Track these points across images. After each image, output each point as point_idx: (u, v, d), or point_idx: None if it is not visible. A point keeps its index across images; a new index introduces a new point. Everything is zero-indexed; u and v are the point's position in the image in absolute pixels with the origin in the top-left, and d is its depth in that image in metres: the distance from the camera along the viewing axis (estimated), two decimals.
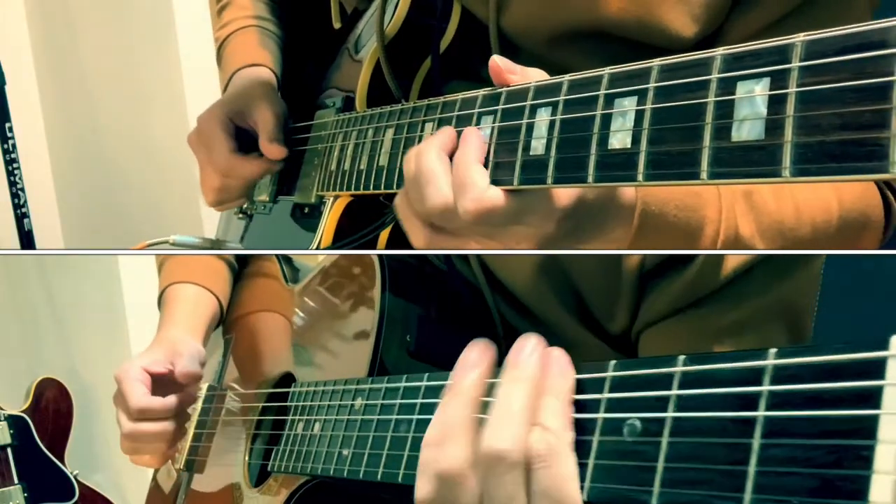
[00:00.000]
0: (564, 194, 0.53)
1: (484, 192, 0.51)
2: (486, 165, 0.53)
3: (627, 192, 0.57)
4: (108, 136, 2.05)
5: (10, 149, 1.74)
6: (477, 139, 0.53)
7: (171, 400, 0.86)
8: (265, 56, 0.94)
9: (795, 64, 0.37)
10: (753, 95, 0.38)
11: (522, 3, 0.69)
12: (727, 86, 0.39)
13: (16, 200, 1.77)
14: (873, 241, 0.69)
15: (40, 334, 2.01)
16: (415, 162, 0.55)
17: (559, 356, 0.43)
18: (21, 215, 1.78)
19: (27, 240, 1.79)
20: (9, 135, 1.74)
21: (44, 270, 1.98)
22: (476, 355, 0.46)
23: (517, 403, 0.41)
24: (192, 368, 0.87)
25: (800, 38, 0.37)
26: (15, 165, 1.75)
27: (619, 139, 0.44)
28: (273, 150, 0.84)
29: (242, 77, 0.92)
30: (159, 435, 0.86)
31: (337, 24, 0.91)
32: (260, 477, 0.86)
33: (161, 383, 0.87)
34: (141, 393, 0.84)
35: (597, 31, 0.67)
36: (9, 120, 1.73)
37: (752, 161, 0.38)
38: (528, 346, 0.43)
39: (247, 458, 0.89)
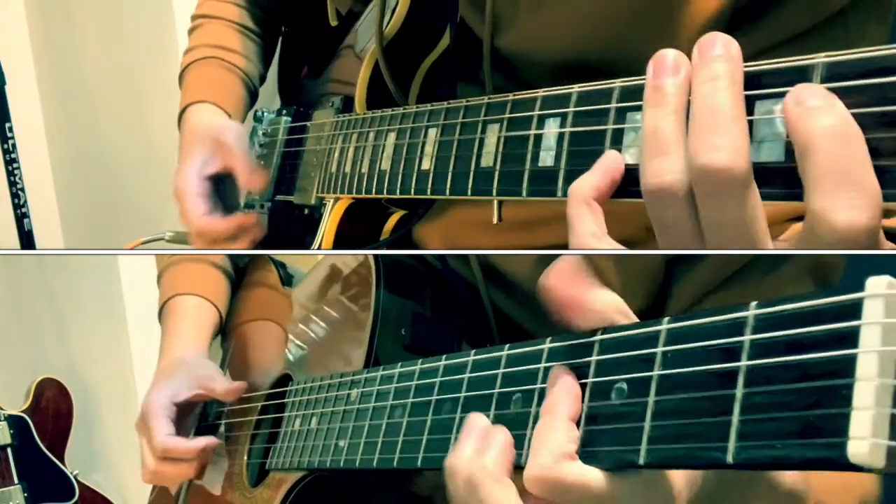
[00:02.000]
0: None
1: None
2: (492, 175, 0.52)
3: None
4: (108, 136, 2.05)
5: (10, 149, 1.74)
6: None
7: (197, 443, 0.86)
8: (217, 94, 0.94)
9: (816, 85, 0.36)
10: (773, 117, 0.37)
11: (514, 31, 0.69)
12: (746, 105, 0.38)
13: (16, 200, 1.77)
14: None
15: (40, 334, 2.01)
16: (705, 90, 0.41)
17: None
18: (21, 215, 1.78)
19: (27, 240, 1.79)
20: (9, 135, 1.74)
21: (44, 270, 1.98)
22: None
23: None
24: (234, 384, 0.88)
25: (820, 58, 0.36)
26: (15, 165, 1.75)
27: (633, 154, 0.44)
28: (256, 183, 0.86)
29: (190, 121, 0.91)
30: (179, 475, 0.88)
31: (333, 22, 0.90)
32: (259, 476, 0.86)
33: (186, 409, 0.88)
34: (165, 432, 0.85)
35: (587, 65, 0.66)
36: (9, 120, 1.73)
37: (772, 183, 0.37)
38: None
39: (245, 458, 0.89)
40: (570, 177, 0.47)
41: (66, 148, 2.18)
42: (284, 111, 0.93)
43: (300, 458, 0.69)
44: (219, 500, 0.93)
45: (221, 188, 0.89)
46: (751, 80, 0.39)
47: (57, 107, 2.16)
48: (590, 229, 0.45)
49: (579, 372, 0.42)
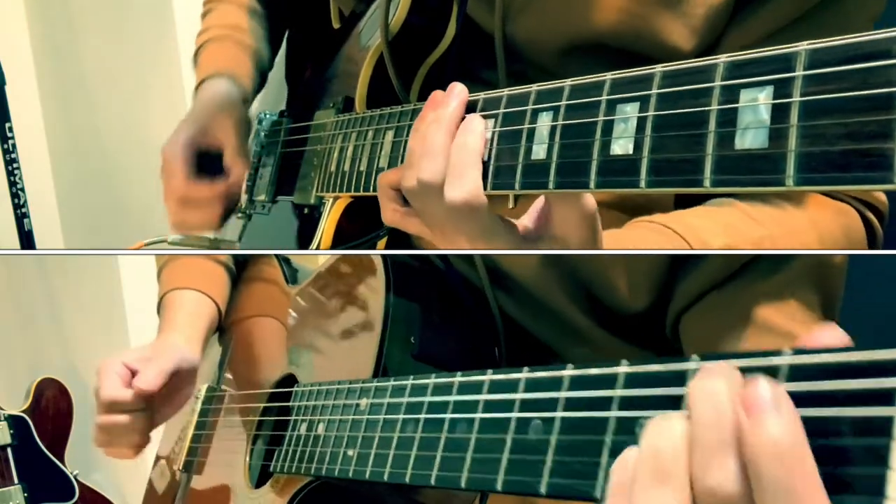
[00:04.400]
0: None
1: (477, 193, 0.53)
2: (486, 170, 0.53)
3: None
4: (108, 136, 2.05)
5: (10, 149, 1.74)
6: (481, 128, 0.54)
7: (138, 390, 0.84)
8: (234, 68, 0.95)
9: (799, 73, 0.36)
10: (757, 104, 0.38)
11: (526, 16, 0.69)
12: (730, 93, 0.39)
13: (16, 200, 1.77)
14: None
15: (40, 334, 2.01)
16: (420, 131, 0.57)
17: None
18: (21, 215, 1.77)
19: (27, 240, 1.78)
20: (9, 135, 1.74)
21: (44, 270, 1.98)
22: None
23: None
24: (146, 382, 0.84)
25: (803, 46, 0.37)
26: (15, 165, 1.75)
27: (621, 145, 0.44)
28: (237, 165, 0.86)
29: (205, 93, 0.93)
30: (128, 426, 0.85)
31: (336, 24, 0.91)
32: (261, 478, 0.86)
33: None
34: (112, 384, 0.84)
35: (597, 45, 0.67)
36: (9, 120, 1.73)
37: (756, 169, 0.38)
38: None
39: (247, 459, 0.89)
40: (562, 169, 0.48)
41: (66, 148, 2.18)
42: (286, 113, 0.93)
43: (306, 463, 0.69)
44: (218, 500, 0.92)
45: (208, 167, 0.89)
46: (737, 69, 0.39)
47: (57, 107, 2.15)
48: (392, 207, 0.60)
49: (601, 404, 0.41)
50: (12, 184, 1.76)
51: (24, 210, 1.77)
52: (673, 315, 0.69)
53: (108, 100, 2.02)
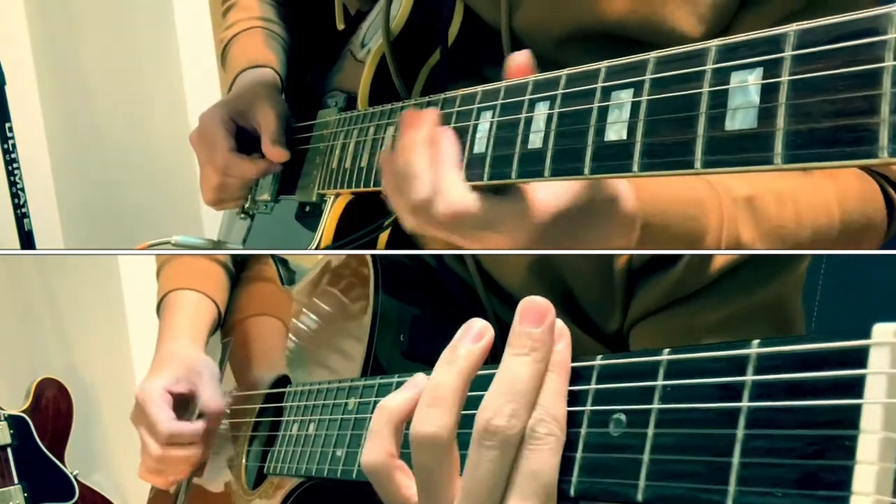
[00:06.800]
0: (546, 205, 0.53)
1: (455, 199, 0.52)
2: (483, 160, 0.54)
3: (627, 202, 0.56)
4: (108, 136, 2.05)
5: (10, 149, 1.74)
6: (453, 140, 0.55)
7: (200, 425, 0.85)
8: (269, 57, 0.94)
9: (788, 53, 0.37)
10: (747, 85, 0.38)
11: (532, 4, 0.69)
12: (721, 76, 0.40)
13: (16, 200, 1.77)
14: (875, 241, 0.69)
15: (40, 334, 2.01)
16: (403, 156, 0.57)
17: (564, 329, 0.42)
18: (21, 215, 1.78)
19: (27, 240, 1.79)
20: (9, 135, 1.74)
21: (44, 270, 1.98)
22: (480, 328, 0.44)
23: (521, 381, 0.40)
24: (217, 402, 0.87)
25: (793, 27, 0.37)
26: (15, 165, 1.75)
27: (616, 131, 0.45)
28: (275, 153, 0.84)
29: (246, 78, 0.92)
30: (187, 459, 0.86)
31: (340, 25, 0.91)
32: (257, 479, 0.86)
33: (180, 402, 0.87)
34: (168, 417, 0.84)
35: (603, 33, 0.67)
36: (9, 120, 1.73)
37: (745, 149, 0.38)
38: (537, 314, 0.42)
39: (244, 460, 0.89)
40: (558, 157, 0.48)
41: (66, 148, 2.18)
42: (290, 112, 0.93)
43: (298, 464, 0.69)
44: (217, 502, 0.92)
45: (244, 148, 0.88)
46: (728, 53, 0.40)
47: (57, 107, 2.16)
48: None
49: (576, 399, 0.41)
50: (12, 184, 1.76)
51: (24, 210, 1.78)
52: (625, 331, 0.69)
53: (108, 100, 2.02)
